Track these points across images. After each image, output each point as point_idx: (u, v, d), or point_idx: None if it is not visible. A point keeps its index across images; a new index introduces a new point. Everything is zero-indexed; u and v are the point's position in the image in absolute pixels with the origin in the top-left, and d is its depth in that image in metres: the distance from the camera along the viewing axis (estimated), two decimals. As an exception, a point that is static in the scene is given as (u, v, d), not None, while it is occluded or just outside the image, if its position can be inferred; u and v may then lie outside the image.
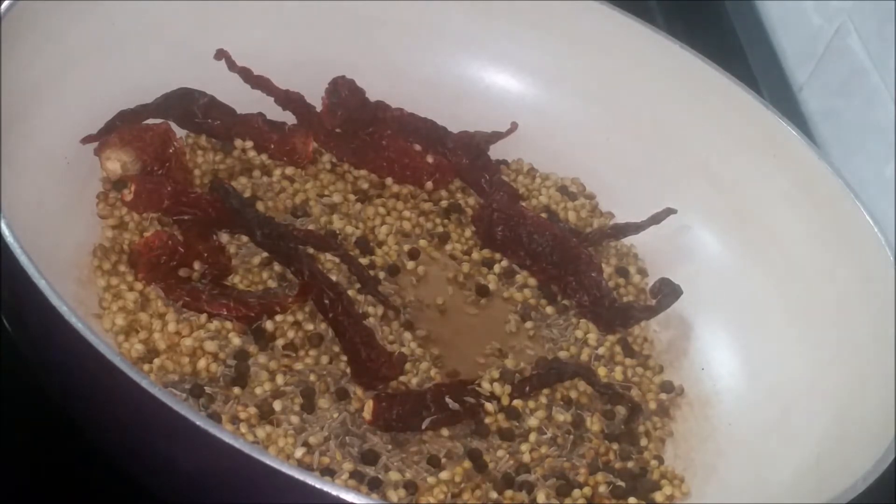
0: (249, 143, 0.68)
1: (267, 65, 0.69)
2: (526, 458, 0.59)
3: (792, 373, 0.64)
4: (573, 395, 0.62)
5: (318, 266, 0.62)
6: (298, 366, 0.59)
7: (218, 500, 0.45)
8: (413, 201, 0.70)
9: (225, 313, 0.58)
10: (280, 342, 0.59)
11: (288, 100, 0.70)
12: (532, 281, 0.68)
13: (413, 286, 0.66)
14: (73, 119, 0.61)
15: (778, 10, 0.96)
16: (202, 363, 0.56)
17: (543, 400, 0.62)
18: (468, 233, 0.70)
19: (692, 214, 0.71)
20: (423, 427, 0.57)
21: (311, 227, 0.66)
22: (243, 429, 0.55)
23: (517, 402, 0.61)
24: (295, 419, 0.56)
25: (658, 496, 0.60)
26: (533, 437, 0.60)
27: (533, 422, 0.60)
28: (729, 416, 0.64)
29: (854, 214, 0.65)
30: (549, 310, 0.67)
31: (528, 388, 0.61)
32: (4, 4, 0.56)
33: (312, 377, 0.59)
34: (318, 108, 0.71)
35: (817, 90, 0.91)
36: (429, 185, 0.71)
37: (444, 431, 0.58)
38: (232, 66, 0.68)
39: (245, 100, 0.69)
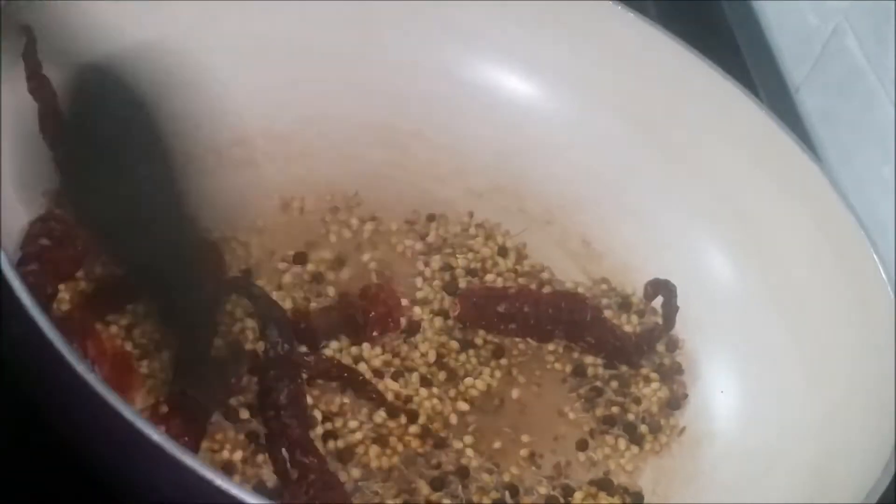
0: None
1: (268, 61, 0.69)
2: None
3: (787, 419, 0.63)
4: None
5: None
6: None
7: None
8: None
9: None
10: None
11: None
12: None
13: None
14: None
15: (775, 11, 0.95)
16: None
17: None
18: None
19: (712, 245, 0.71)
20: None
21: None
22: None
23: None
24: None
25: None
26: None
27: None
28: (715, 460, 0.63)
29: (865, 259, 0.64)
30: None
31: None
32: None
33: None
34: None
35: (814, 91, 0.90)
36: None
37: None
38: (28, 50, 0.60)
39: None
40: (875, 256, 0.64)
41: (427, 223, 0.70)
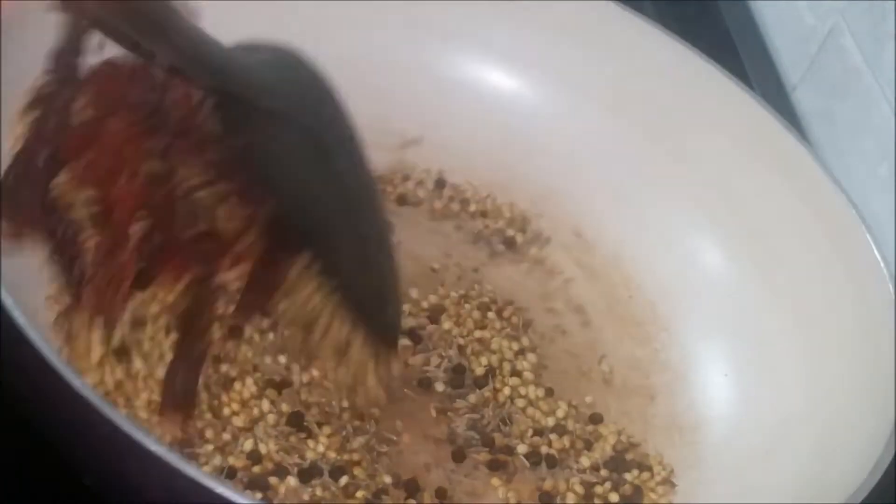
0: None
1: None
2: None
3: (786, 404, 0.63)
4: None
5: None
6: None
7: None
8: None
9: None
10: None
11: None
12: None
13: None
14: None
15: (771, 10, 0.95)
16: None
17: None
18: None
19: (703, 231, 0.71)
20: None
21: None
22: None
23: None
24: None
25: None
26: None
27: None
28: (716, 445, 0.64)
29: (862, 246, 0.65)
30: None
31: None
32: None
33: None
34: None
35: (811, 90, 0.90)
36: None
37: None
38: None
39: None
40: (869, 237, 0.64)
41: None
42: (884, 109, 0.81)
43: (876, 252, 0.64)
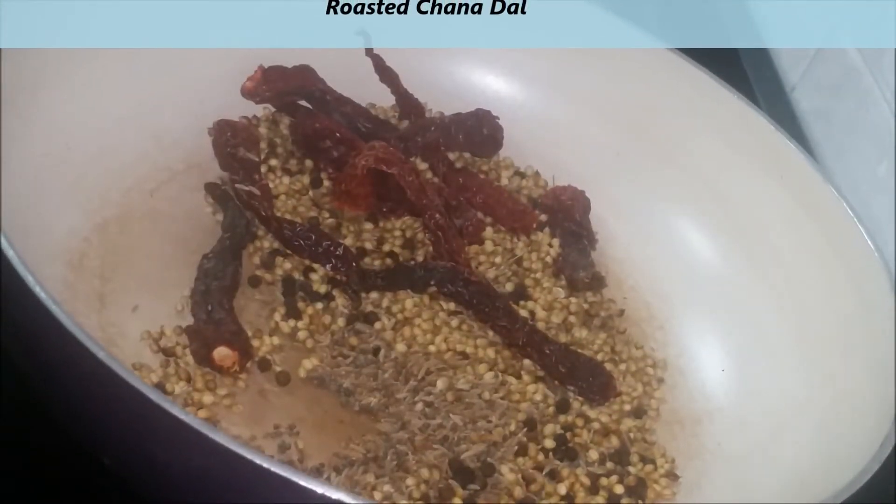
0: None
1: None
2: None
3: (786, 394, 0.64)
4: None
5: None
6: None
7: (209, 500, 0.45)
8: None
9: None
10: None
11: (408, 105, 0.72)
12: None
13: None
14: (74, 104, 0.62)
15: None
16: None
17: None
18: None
19: (694, 228, 0.72)
20: None
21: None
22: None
23: None
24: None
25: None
26: None
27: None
28: (719, 436, 0.64)
29: (855, 237, 0.65)
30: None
31: None
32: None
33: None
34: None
35: (809, 90, 0.91)
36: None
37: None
38: (368, 50, 0.71)
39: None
40: (862, 229, 0.65)
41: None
42: (882, 109, 0.81)
43: (869, 242, 0.64)
